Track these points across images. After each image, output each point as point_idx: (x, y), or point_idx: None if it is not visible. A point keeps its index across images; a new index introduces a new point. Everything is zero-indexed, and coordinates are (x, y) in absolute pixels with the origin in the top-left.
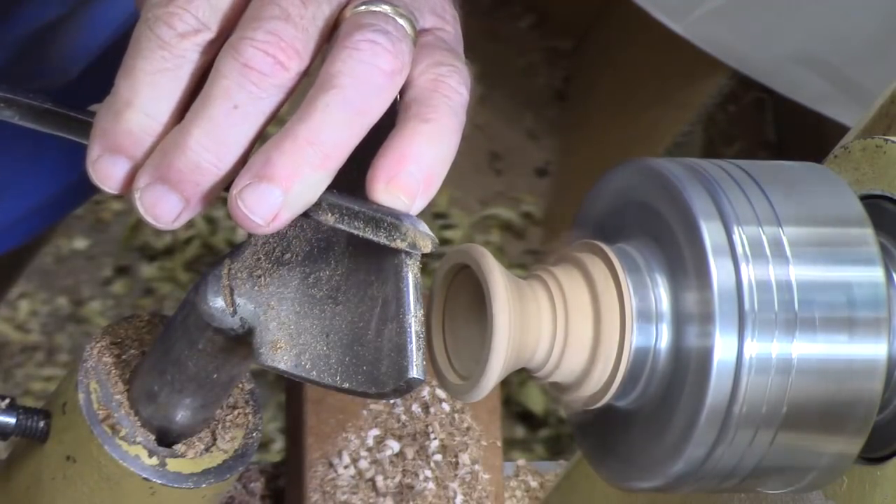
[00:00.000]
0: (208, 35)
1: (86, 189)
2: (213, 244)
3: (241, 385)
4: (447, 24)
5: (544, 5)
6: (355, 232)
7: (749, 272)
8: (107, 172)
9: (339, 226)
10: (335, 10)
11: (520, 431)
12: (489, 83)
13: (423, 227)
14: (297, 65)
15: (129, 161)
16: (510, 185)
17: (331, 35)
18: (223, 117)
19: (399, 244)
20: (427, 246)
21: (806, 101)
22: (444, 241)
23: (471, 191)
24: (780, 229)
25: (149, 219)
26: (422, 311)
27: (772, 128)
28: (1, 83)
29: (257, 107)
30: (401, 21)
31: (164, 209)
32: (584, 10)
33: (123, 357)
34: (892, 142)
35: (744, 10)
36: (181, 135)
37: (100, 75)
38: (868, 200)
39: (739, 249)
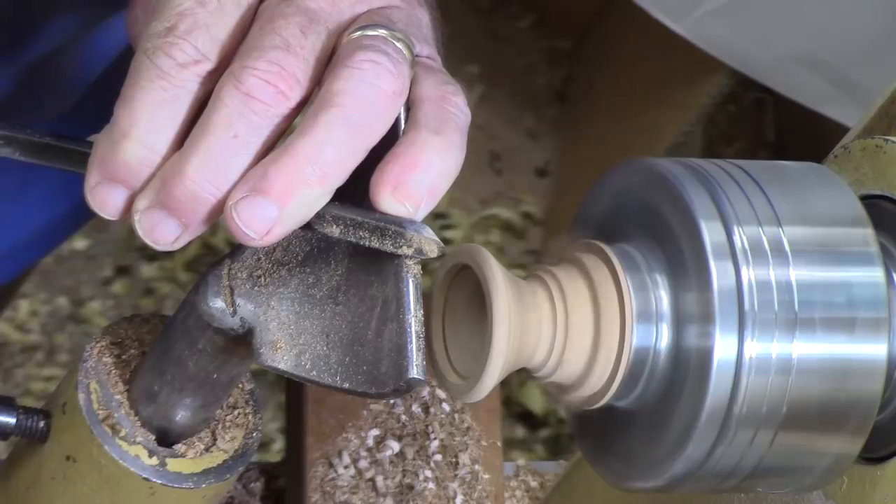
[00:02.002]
0: (208, 66)
1: (75, 221)
2: (213, 244)
3: (241, 385)
4: (438, 55)
5: (544, 5)
6: (361, 242)
7: (749, 272)
8: (104, 199)
9: (345, 237)
10: (332, 38)
11: (520, 431)
12: (489, 83)
13: (428, 232)
14: (297, 94)
15: (127, 190)
16: (510, 185)
17: (327, 64)
18: (223, 146)
19: (406, 251)
20: (433, 251)
21: (806, 101)
22: (444, 241)
23: (471, 191)
24: (780, 229)
25: (148, 241)
26: (422, 311)
27: (772, 128)
28: None
29: (257, 136)
30: (398, 44)
31: (163, 233)
32: (584, 10)
33: (123, 357)
34: (892, 142)
35: (744, 10)
36: (181, 163)
37: (99, 101)
38: (868, 200)
39: (739, 249)
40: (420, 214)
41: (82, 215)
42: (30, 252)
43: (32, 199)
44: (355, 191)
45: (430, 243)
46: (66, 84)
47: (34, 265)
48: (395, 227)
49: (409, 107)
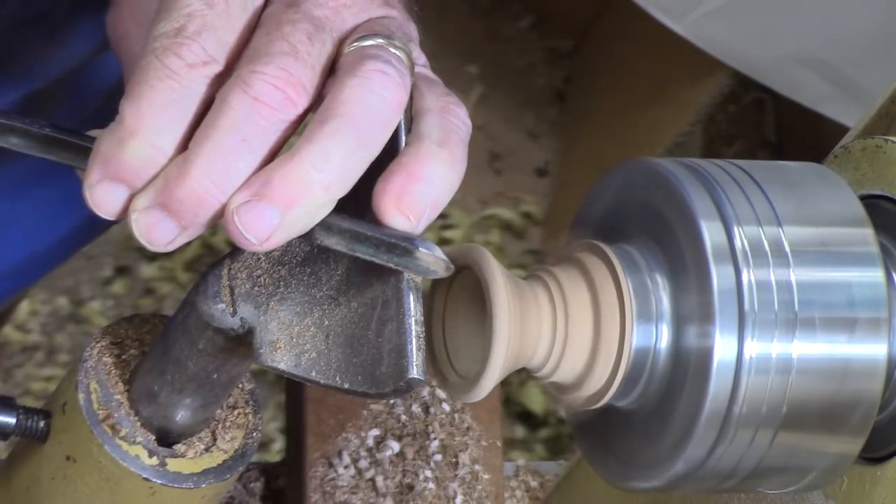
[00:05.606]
0: (216, 68)
1: (60, 253)
2: (213, 244)
3: (241, 385)
4: (428, 62)
5: (544, 5)
6: (368, 258)
7: (749, 272)
8: (104, 199)
9: (351, 252)
10: (336, 47)
11: (520, 431)
12: (489, 83)
13: (437, 251)
14: (304, 101)
15: (128, 189)
16: (510, 185)
17: (329, 73)
18: (229, 149)
19: (413, 270)
20: (441, 270)
21: (806, 101)
22: (444, 241)
23: (471, 191)
24: (780, 229)
25: (143, 241)
26: (422, 312)
27: (772, 128)
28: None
29: (264, 141)
30: (400, 54)
31: (160, 234)
32: (584, 10)
33: (123, 357)
34: (892, 142)
35: (744, 10)
36: (185, 164)
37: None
38: (868, 200)
39: (739, 250)
40: (421, 227)
41: (68, 248)
42: (14, 281)
43: (16, 233)
44: (357, 202)
45: (438, 262)
46: (64, 114)
47: (19, 294)
48: (404, 244)
49: (410, 117)
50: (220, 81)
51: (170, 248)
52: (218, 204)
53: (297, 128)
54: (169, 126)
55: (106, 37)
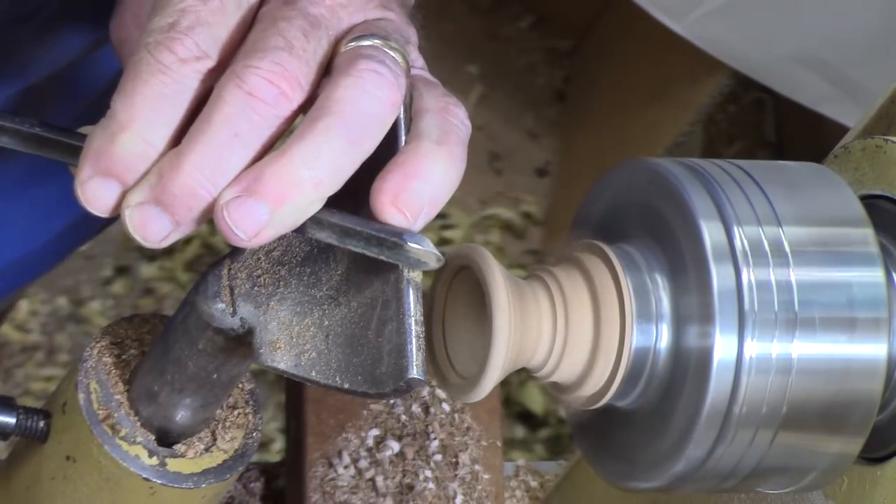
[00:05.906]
0: (209, 63)
1: (53, 255)
2: (213, 244)
3: (241, 385)
4: (426, 66)
5: (544, 5)
6: (358, 251)
7: (749, 272)
8: (96, 195)
9: (343, 246)
10: (331, 46)
11: (520, 431)
12: (489, 83)
13: (427, 244)
14: (299, 97)
15: (120, 185)
16: (510, 185)
17: (325, 72)
18: (224, 144)
19: (403, 263)
20: (432, 263)
21: (806, 101)
22: (444, 241)
23: (471, 191)
24: (780, 229)
25: (137, 237)
26: (422, 312)
27: (772, 128)
28: None
29: (258, 136)
30: (395, 55)
31: (154, 230)
32: (584, 10)
33: (123, 357)
34: (892, 142)
35: (744, 10)
36: (179, 159)
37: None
38: (868, 200)
39: (739, 250)
40: (419, 225)
41: (64, 248)
42: (10, 281)
43: (12, 232)
44: (356, 201)
45: (428, 255)
46: (59, 111)
47: (15, 294)
48: (395, 238)
49: (410, 118)
50: (214, 77)
51: (164, 245)
52: (210, 198)
53: (292, 123)
54: (161, 121)
55: (100, 34)
